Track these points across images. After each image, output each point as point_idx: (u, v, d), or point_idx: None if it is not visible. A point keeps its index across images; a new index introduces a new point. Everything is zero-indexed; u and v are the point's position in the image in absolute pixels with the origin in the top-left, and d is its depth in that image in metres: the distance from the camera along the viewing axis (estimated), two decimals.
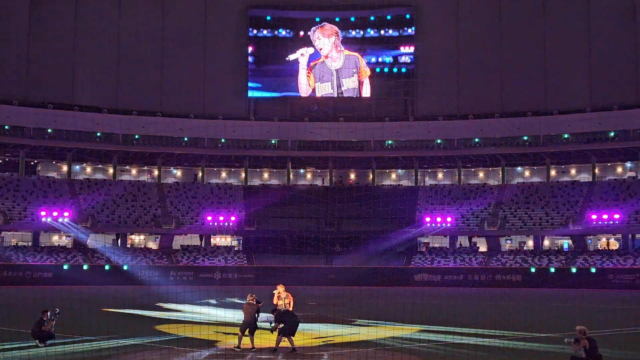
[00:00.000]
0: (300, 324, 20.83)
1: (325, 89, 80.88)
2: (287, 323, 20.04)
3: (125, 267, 61.06)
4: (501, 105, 78.57)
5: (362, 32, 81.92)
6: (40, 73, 76.37)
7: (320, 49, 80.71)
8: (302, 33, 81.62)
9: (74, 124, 72.27)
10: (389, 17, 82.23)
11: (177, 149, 76.44)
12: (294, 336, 20.33)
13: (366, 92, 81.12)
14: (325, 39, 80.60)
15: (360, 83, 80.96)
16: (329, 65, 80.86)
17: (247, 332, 20.60)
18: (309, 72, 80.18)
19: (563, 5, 79.19)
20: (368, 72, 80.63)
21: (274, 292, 21.61)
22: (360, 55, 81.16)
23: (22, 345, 20.91)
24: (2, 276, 56.90)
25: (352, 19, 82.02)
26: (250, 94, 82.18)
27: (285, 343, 20.35)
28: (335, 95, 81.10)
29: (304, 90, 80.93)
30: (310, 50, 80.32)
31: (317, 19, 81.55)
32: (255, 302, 20.83)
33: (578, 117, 72.93)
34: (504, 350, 21.23)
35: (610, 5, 78.09)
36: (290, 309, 21.08)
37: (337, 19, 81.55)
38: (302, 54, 79.94)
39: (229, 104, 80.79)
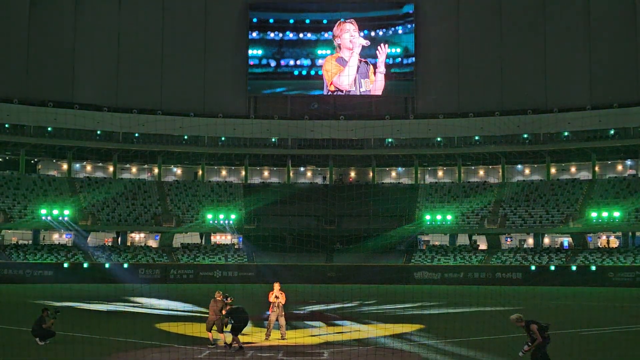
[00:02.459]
0: (302, 322, 20.87)
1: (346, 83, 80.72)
2: (235, 320, 20.06)
3: (125, 265, 61.11)
4: (501, 103, 78.58)
5: (362, 31, 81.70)
6: (41, 71, 76.37)
7: (339, 45, 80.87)
8: (302, 34, 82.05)
9: (74, 122, 72.10)
10: (388, 15, 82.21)
11: (177, 147, 76.48)
12: (240, 333, 20.26)
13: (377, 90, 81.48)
14: (347, 34, 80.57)
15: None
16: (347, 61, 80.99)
17: (214, 329, 20.74)
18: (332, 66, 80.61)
19: (563, 3, 79.21)
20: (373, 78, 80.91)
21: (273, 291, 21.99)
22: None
23: (22, 344, 20.94)
24: (2, 274, 56.91)
25: (355, 16, 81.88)
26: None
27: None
28: (358, 92, 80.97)
29: (327, 85, 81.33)
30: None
31: (325, 20, 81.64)
32: (222, 299, 20.88)
33: (578, 115, 72.85)
34: (504, 349, 21.25)
35: (611, 3, 78.06)
36: (280, 306, 21.89)
37: (342, 19, 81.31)
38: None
39: (229, 102, 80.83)
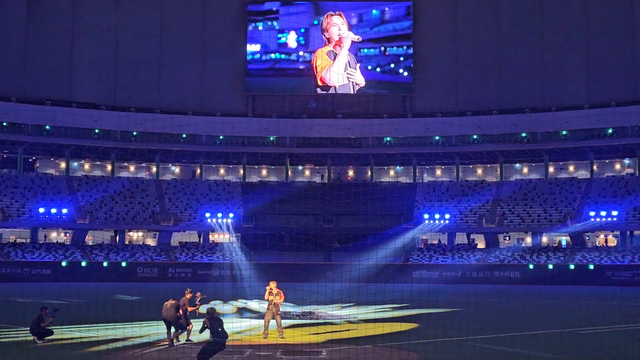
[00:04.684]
0: (299, 320, 20.87)
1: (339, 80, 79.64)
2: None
3: (123, 264, 61.11)
4: (499, 102, 78.58)
5: (361, 28, 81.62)
6: (39, 70, 76.27)
7: (328, 39, 79.84)
8: (302, 28, 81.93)
9: (72, 120, 72.17)
10: (387, 14, 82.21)
11: (175, 145, 76.42)
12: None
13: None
14: (334, 27, 79.59)
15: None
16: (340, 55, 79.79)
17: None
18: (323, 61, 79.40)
19: (561, 2, 79.18)
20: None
21: (266, 287, 22.10)
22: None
23: (20, 342, 20.92)
24: (1, 273, 56.86)
25: (352, 14, 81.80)
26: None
27: None
28: (351, 88, 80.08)
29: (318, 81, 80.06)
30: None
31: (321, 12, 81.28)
32: (190, 297, 21.66)
33: (576, 113, 72.91)
34: (502, 347, 21.28)
35: (608, 2, 78.05)
36: (278, 306, 22.10)
37: (331, 11, 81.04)
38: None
39: (227, 101, 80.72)
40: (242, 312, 32.39)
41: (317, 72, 79.53)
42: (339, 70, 79.18)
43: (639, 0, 76.29)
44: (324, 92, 79.99)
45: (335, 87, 79.66)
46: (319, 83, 79.69)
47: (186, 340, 21.36)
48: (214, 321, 16.14)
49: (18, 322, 24.29)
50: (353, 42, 79.12)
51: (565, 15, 78.89)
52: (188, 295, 21.60)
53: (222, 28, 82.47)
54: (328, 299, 29.37)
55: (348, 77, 79.33)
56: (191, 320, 21.62)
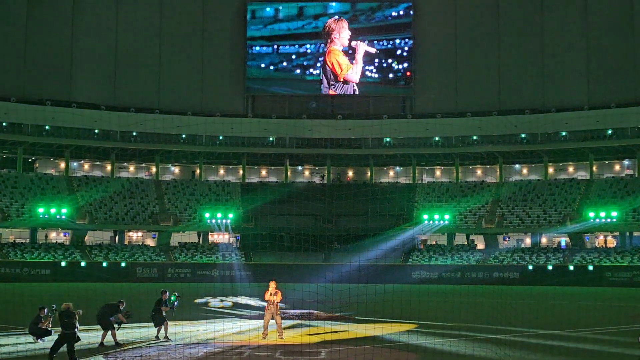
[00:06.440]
0: (298, 322, 20.81)
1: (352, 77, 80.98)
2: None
3: (123, 264, 61.10)
4: (499, 103, 78.63)
5: (359, 29, 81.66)
6: (38, 70, 76.30)
7: (336, 39, 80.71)
8: (301, 28, 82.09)
9: (72, 120, 72.10)
10: (386, 14, 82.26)
11: (175, 146, 76.40)
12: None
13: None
14: (345, 32, 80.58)
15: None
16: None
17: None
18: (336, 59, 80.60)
19: (561, 3, 79.25)
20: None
21: (270, 284, 22.33)
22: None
23: (19, 342, 20.90)
24: (0, 273, 56.83)
25: (351, 14, 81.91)
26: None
27: None
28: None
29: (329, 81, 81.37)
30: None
31: (332, 12, 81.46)
32: (167, 297, 22.16)
33: (576, 115, 72.83)
34: (501, 347, 21.28)
35: (608, 3, 78.13)
36: (277, 306, 22.06)
37: (338, 16, 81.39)
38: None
39: (227, 101, 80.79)
40: (223, 301, 32.74)
41: (341, 69, 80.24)
42: (358, 70, 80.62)
43: (639, 0, 76.37)
44: (336, 87, 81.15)
45: (355, 82, 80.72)
46: (341, 80, 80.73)
47: (162, 337, 21.79)
48: (64, 315, 17.25)
49: (17, 322, 24.28)
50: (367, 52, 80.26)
51: (565, 16, 78.95)
52: (164, 297, 22.10)
53: (222, 28, 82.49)
54: (328, 299, 29.39)
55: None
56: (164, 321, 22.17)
